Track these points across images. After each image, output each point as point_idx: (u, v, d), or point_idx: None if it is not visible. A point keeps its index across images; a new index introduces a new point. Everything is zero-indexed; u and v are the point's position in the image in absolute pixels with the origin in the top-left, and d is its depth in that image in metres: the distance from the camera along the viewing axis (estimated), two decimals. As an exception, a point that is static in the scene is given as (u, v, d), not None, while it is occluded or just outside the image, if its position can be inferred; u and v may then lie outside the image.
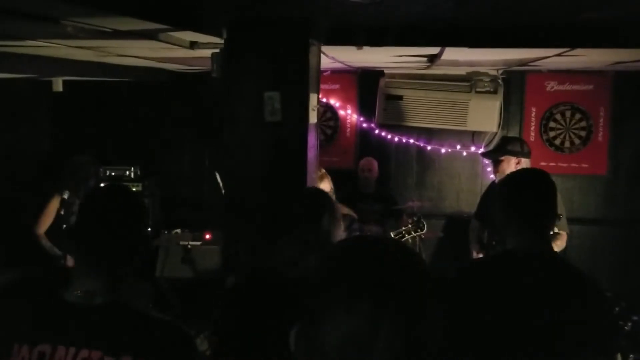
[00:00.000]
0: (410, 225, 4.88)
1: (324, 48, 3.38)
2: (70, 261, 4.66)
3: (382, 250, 0.98)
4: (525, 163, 4.38)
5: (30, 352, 1.60)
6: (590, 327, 2.01)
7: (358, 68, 5.91)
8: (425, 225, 4.91)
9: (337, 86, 6.28)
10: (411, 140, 6.22)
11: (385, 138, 6.22)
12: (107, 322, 1.65)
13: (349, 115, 6.33)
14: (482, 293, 2.09)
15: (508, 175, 2.41)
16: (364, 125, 6.27)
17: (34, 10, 2.07)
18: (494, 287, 2.08)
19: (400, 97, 5.87)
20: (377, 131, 6.21)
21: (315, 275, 0.99)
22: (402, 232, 4.86)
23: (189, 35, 3.17)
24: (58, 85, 5.25)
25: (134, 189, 5.71)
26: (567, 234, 4.34)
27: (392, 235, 4.80)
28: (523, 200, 2.18)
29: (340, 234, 2.57)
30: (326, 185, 4.29)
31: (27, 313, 1.70)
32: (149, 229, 4.81)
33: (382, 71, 5.91)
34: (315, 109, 3.14)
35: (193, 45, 3.43)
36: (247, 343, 2.30)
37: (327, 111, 6.29)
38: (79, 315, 1.65)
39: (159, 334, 1.66)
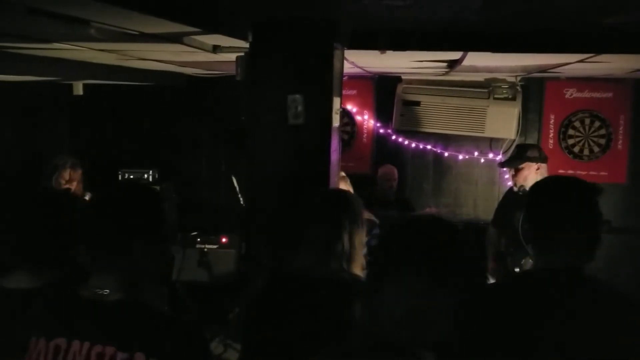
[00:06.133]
0: None
1: (345, 53, 3.38)
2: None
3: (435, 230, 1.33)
4: (543, 168, 4.47)
5: (46, 345, 1.63)
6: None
7: (375, 74, 5.91)
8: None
9: (354, 92, 6.28)
10: (428, 147, 6.20)
11: (402, 144, 6.21)
12: (122, 319, 1.65)
13: (366, 120, 6.33)
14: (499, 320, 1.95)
15: (539, 186, 2.18)
16: (381, 130, 6.26)
17: (68, 12, 2.09)
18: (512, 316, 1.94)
19: (417, 103, 5.86)
20: (393, 137, 6.20)
21: (383, 252, 1.31)
22: None
23: (212, 39, 3.18)
24: (78, 88, 5.30)
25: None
26: None
27: None
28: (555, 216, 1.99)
29: (363, 238, 2.50)
30: (344, 188, 4.28)
31: (45, 308, 1.73)
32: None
33: (400, 77, 5.91)
34: (338, 112, 3.14)
35: (216, 49, 3.44)
36: (275, 350, 2.28)
37: (344, 116, 6.26)
38: (95, 311, 1.66)
39: (174, 334, 1.65)
